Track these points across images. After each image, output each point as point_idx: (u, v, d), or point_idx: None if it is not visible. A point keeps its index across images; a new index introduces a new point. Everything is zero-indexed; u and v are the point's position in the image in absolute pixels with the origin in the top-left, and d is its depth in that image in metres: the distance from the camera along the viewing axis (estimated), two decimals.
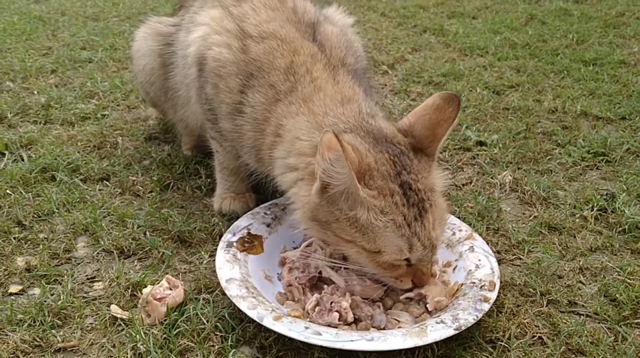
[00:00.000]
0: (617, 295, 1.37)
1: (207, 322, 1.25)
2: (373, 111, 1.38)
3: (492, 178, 1.88)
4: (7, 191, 1.72)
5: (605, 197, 1.75)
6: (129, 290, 1.36)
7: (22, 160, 1.91)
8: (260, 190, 1.76)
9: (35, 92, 2.46)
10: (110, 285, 1.39)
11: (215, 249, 1.39)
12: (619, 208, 1.69)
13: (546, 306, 1.34)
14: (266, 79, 1.41)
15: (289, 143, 1.34)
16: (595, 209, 1.69)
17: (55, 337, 1.22)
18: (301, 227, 1.30)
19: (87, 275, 1.43)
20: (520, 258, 1.51)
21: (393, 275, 1.25)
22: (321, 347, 1.14)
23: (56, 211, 1.64)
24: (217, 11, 1.57)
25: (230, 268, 1.31)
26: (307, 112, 1.33)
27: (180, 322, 1.25)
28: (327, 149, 1.12)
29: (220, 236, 1.45)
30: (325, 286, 1.32)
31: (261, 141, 1.42)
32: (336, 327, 1.20)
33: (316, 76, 1.39)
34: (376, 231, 1.17)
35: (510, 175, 1.87)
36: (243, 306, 1.19)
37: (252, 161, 1.51)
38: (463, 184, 1.86)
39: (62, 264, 1.47)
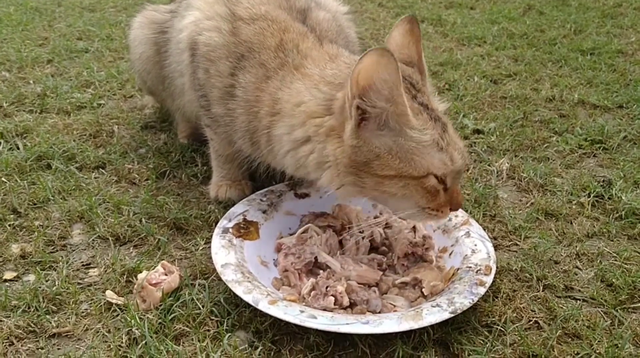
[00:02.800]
0: (613, 280, 1.37)
1: (203, 306, 1.25)
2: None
3: (489, 165, 1.88)
4: (3, 179, 1.72)
5: (602, 184, 1.74)
6: (124, 276, 1.35)
7: (18, 148, 1.90)
8: (256, 177, 1.75)
9: (31, 81, 2.45)
10: (106, 271, 1.38)
11: (211, 235, 1.39)
12: (615, 194, 1.68)
13: (542, 291, 1.34)
14: (257, 59, 1.41)
15: (290, 115, 1.31)
16: (592, 196, 1.69)
17: (50, 322, 1.22)
18: (333, 187, 1.27)
19: (82, 262, 1.42)
20: (517, 244, 1.51)
21: (434, 205, 1.24)
22: (316, 330, 1.14)
23: (51, 198, 1.64)
24: None
25: (225, 254, 1.30)
26: (301, 78, 1.33)
27: (176, 307, 1.25)
28: (378, 64, 1.11)
29: (216, 223, 1.44)
30: (321, 271, 1.32)
31: (255, 124, 1.41)
32: (332, 311, 1.19)
33: (302, 48, 1.40)
34: (422, 151, 1.19)
35: (508, 163, 1.87)
36: (238, 290, 1.19)
37: (247, 146, 1.50)
38: None
39: (57, 251, 1.46)
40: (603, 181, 1.77)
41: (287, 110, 1.32)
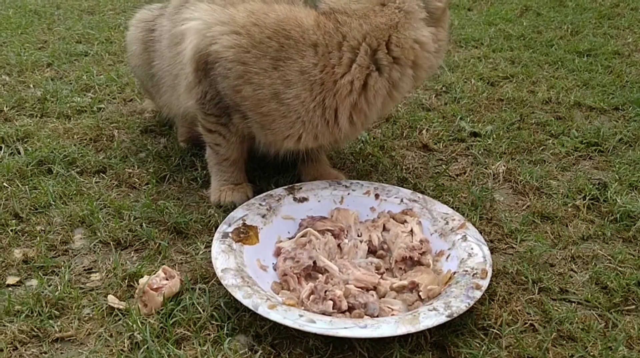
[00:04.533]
0: (608, 283, 1.38)
1: (203, 311, 1.27)
2: None
3: (485, 168, 1.90)
4: (4, 184, 1.73)
5: (597, 186, 1.76)
6: (126, 281, 1.37)
7: (19, 153, 1.92)
8: (256, 181, 1.77)
9: (31, 85, 2.47)
10: (107, 275, 1.40)
11: (211, 240, 1.41)
12: (610, 197, 1.70)
13: (538, 293, 1.36)
14: (303, 43, 1.44)
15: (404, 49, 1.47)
16: (587, 198, 1.71)
17: (53, 327, 1.23)
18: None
19: (84, 266, 1.44)
20: (513, 247, 1.53)
21: None
22: (315, 334, 1.16)
23: (53, 203, 1.65)
24: (206, 5, 1.57)
25: (225, 258, 1.32)
26: (359, 23, 1.45)
27: (177, 311, 1.26)
28: None
29: (216, 227, 1.46)
30: (319, 275, 1.34)
31: (331, 91, 1.47)
32: (330, 315, 1.21)
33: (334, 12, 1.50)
34: None
35: (504, 165, 1.89)
36: (238, 295, 1.21)
37: (312, 126, 1.51)
38: (457, 175, 1.87)
39: (59, 256, 1.48)
40: (598, 183, 1.79)
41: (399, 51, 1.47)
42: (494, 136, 2.09)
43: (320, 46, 1.44)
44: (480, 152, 1.99)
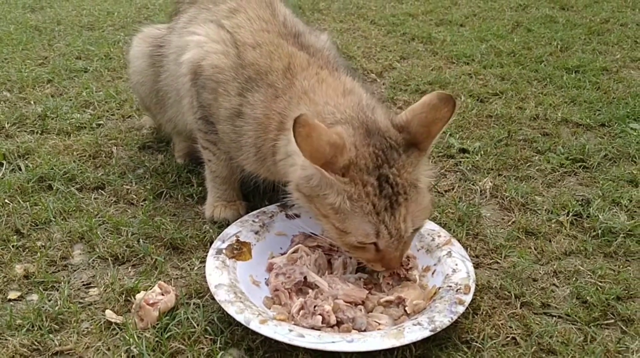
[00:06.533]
0: (587, 297, 1.44)
1: (197, 325, 1.32)
2: (373, 103, 1.46)
3: (473, 184, 1.95)
4: (6, 200, 1.79)
5: (580, 203, 1.82)
6: (123, 296, 1.42)
7: (20, 170, 1.97)
8: (250, 198, 1.82)
9: (32, 102, 2.53)
10: (105, 290, 1.45)
11: (206, 255, 1.46)
12: (593, 213, 1.76)
13: (520, 308, 1.41)
14: (264, 81, 1.52)
15: (289, 130, 1.40)
16: (570, 214, 1.76)
17: (53, 341, 1.28)
18: (293, 198, 1.40)
19: (83, 281, 1.49)
20: (498, 262, 1.58)
21: (362, 257, 1.38)
22: (305, 348, 1.21)
23: (53, 219, 1.71)
24: (212, 24, 1.65)
25: (219, 274, 1.37)
26: (308, 102, 1.44)
27: (172, 325, 1.31)
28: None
29: (211, 243, 1.51)
30: (310, 290, 1.39)
31: (262, 137, 1.51)
32: (319, 330, 1.26)
33: (314, 72, 1.51)
34: (350, 214, 1.28)
35: (491, 181, 1.95)
36: (231, 310, 1.26)
37: (250, 162, 1.58)
38: (445, 191, 1.93)
39: (59, 271, 1.53)
40: (582, 199, 1.84)
41: (290, 126, 1.41)
42: (482, 152, 2.14)
43: (271, 88, 1.50)
44: (468, 168, 2.05)
